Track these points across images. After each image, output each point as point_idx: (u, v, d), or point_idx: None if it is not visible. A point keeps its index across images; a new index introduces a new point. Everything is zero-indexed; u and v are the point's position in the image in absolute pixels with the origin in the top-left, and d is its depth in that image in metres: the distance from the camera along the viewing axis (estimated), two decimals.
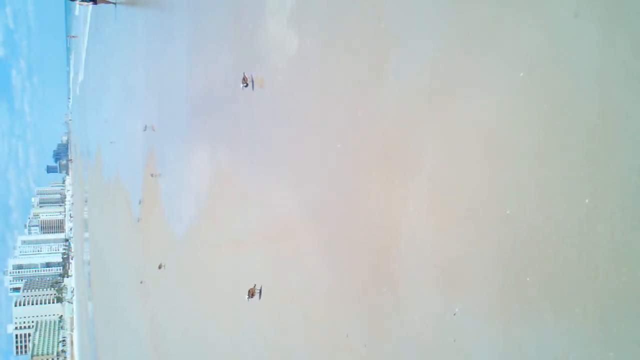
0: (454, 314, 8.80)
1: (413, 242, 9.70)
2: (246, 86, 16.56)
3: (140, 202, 39.32)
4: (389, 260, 10.34)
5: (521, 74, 7.42)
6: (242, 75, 16.56)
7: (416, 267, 9.63)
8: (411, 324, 9.80)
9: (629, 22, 6.25)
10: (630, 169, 6.15)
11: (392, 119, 10.29)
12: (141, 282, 39.02)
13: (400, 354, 10.15)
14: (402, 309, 10.07)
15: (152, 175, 33.87)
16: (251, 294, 15.84)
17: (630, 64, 6.20)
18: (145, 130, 35.44)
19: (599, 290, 6.51)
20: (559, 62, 7.00)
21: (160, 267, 30.33)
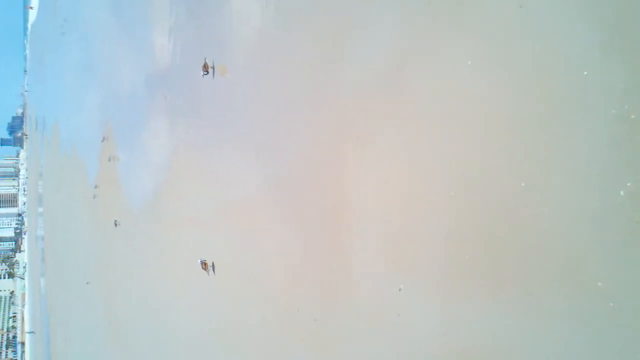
0: (399, 290, 9.22)
1: (363, 220, 10.07)
2: (207, 74, 16.24)
3: (95, 187, 38.08)
4: (340, 237, 10.69)
5: (469, 62, 7.79)
6: (203, 62, 16.23)
7: (365, 244, 10.01)
8: (359, 299, 10.20)
9: (571, 11, 6.67)
10: (559, 151, 6.62)
11: (349, 100, 10.57)
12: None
13: (348, 327, 10.56)
14: (351, 285, 10.46)
15: (110, 159, 32.57)
16: (205, 267, 15.98)
17: (572, 53, 6.63)
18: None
19: (528, 267, 7.01)
20: (505, 50, 7.40)
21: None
